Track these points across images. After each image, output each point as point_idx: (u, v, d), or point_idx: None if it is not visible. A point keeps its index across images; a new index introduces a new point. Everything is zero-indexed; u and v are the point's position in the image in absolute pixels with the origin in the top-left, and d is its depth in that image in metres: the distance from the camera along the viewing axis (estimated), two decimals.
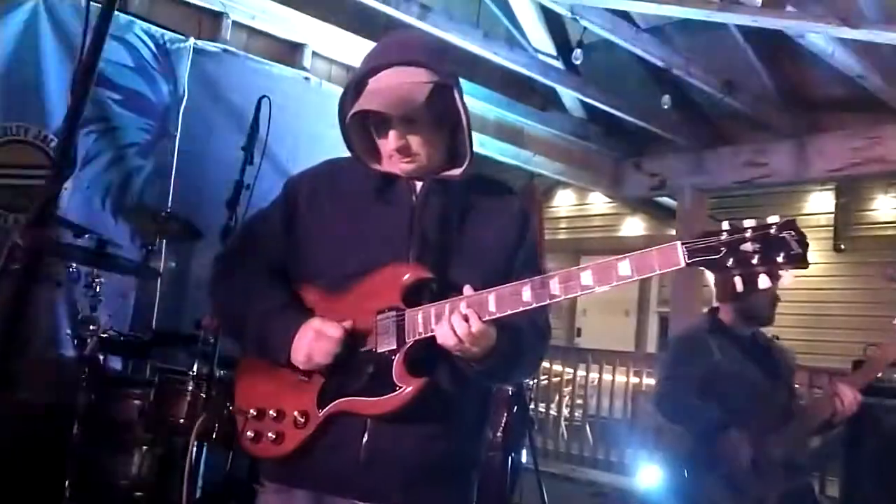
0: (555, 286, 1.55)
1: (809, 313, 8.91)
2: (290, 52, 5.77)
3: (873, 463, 4.51)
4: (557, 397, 8.81)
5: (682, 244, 1.45)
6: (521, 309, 1.57)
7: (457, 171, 1.81)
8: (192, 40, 5.08)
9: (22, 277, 1.00)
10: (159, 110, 4.92)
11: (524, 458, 4.47)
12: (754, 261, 1.40)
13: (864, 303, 9.41)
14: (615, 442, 8.03)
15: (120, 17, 4.61)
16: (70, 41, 4.47)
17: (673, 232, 10.06)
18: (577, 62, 5.79)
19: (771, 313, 3.26)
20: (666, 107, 6.29)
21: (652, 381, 8.20)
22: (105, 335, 3.81)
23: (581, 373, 8.58)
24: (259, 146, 3.81)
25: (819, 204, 10.38)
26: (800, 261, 1.38)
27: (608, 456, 7.95)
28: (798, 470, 3.18)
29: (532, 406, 5.90)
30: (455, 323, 1.57)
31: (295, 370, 1.73)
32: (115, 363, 4.11)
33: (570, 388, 8.96)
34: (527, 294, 1.57)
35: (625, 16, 5.81)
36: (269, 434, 1.74)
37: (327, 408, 1.70)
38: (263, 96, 3.82)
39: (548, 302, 1.55)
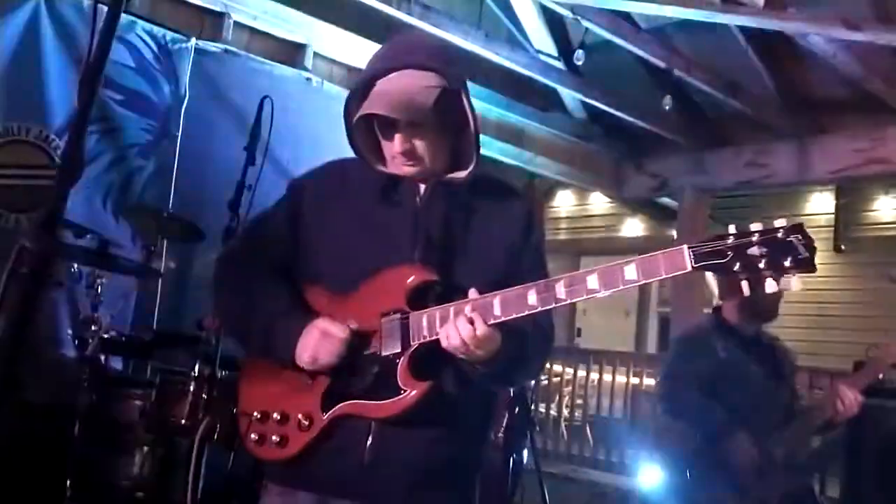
0: (560, 290, 1.55)
1: (810, 314, 8.90)
2: (291, 53, 5.76)
3: (874, 463, 4.51)
4: (557, 397, 8.81)
5: (689, 248, 1.45)
6: (527, 313, 1.57)
7: (462, 174, 1.80)
8: (193, 40, 5.07)
9: (30, 281, 0.99)
10: (161, 110, 4.91)
11: (525, 458, 4.47)
12: (761, 265, 1.40)
13: (865, 303, 9.41)
14: (615, 442, 8.03)
15: (121, 17, 4.60)
16: (71, 41, 4.47)
17: (673, 232, 10.06)
18: (579, 63, 5.79)
19: (775, 310, 3.26)
20: (667, 108, 6.28)
21: (652, 382, 8.22)
22: (106, 336, 3.80)
23: (581, 373, 8.59)
24: (261, 147, 3.80)
25: (820, 205, 10.37)
26: (807, 265, 1.38)
27: (608, 456, 7.95)
28: (798, 470, 3.19)
29: (532, 407, 5.89)
30: (460, 326, 1.57)
31: (299, 372, 1.72)
32: (117, 364, 4.11)
33: (570, 388, 8.96)
34: (532, 298, 1.56)
35: (626, 16, 5.80)
36: (273, 437, 1.74)
37: (331, 411, 1.70)
38: (265, 97, 3.82)
39: (553, 306, 1.55)
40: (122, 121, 4.71)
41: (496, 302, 1.59)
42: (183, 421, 3.41)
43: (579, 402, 8.92)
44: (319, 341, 1.68)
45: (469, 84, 1.86)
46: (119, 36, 4.68)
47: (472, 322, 1.56)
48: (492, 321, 1.58)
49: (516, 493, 4.34)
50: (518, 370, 1.76)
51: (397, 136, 1.73)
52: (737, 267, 1.42)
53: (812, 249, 1.39)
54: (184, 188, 4.89)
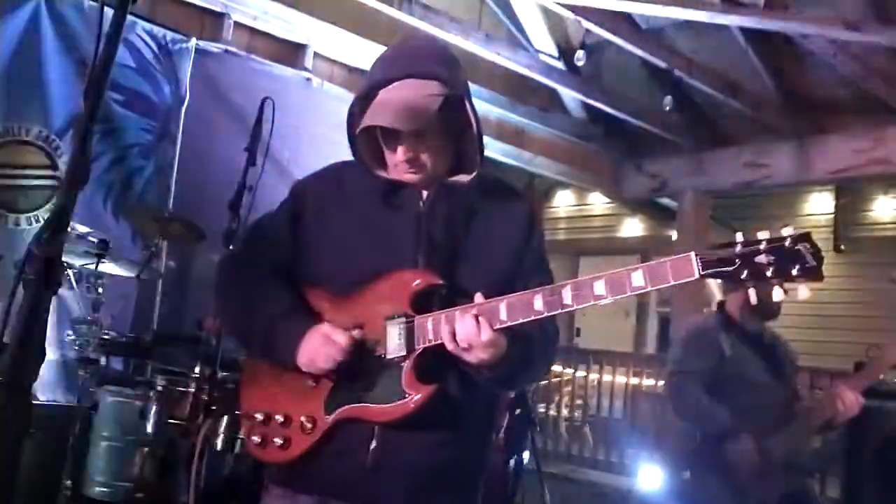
0: (567, 295, 1.55)
1: (809, 314, 8.90)
2: (291, 53, 5.76)
3: (874, 464, 4.51)
4: (557, 398, 8.81)
5: (697, 255, 1.45)
6: (533, 318, 1.57)
7: (465, 178, 1.80)
8: (193, 41, 5.07)
9: (37, 287, 0.99)
10: (161, 111, 4.90)
11: (526, 459, 4.48)
12: (769, 273, 1.40)
13: (864, 303, 9.42)
14: (615, 442, 8.04)
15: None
16: (72, 41, 4.46)
17: (672, 233, 10.06)
18: (580, 63, 5.78)
19: (778, 309, 3.26)
20: (667, 108, 6.28)
21: (652, 382, 8.24)
22: (106, 336, 3.80)
23: (581, 373, 8.59)
24: (261, 147, 3.80)
25: (819, 205, 10.38)
26: (815, 273, 1.38)
27: (608, 456, 7.96)
28: (798, 471, 3.19)
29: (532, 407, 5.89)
30: (466, 330, 1.56)
31: (302, 375, 1.72)
32: (117, 364, 4.10)
33: (569, 388, 8.96)
34: (538, 303, 1.56)
35: (626, 17, 5.80)
36: (276, 439, 1.74)
37: (335, 413, 1.69)
38: (266, 98, 3.81)
39: (560, 311, 1.55)
40: (122, 121, 4.70)
41: (502, 307, 1.58)
42: (183, 422, 3.41)
43: (579, 402, 8.93)
44: (320, 345, 1.67)
45: (469, 85, 1.86)
46: None
47: (477, 327, 1.56)
48: (498, 326, 1.58)
49: (517, 493, 4.34)
50: (522, 374, 1.76)
51: (401, 148, 1.72)
52: (744, 275, 1.42)
53: (819, 258, 1.39)
54: (184, 188, 4.89)
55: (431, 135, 1.73)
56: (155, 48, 4.87)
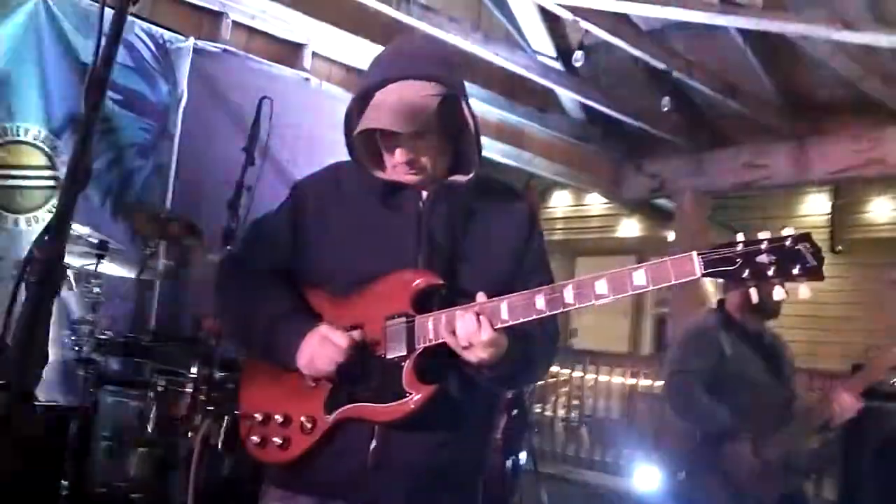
0: (569, 295, 1.55)
1: (806, 314, 8.92)
2: (290, 53, 5.75)
3: (871, 465, 4.52)
4: (554, 398, 8.83)
5: (698, 255, 1.45)
6: (534, 317, 1.57)
7: (464, 178, 1.80)
8: (191, 40, 5.06)
9: (38, 290, 0.99)
10: (159, 110, 4.89)
11: (523, 459, 4.48)
12: (770, 272, 1.41)
13: (861, 304, 9.44)
14: (611, 443, 8.05)
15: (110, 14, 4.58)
16: (70, 41, 4.45)
17: (669, 233, 10.07)
18: (578, 64, 5.78)
19: (778, 308, 3.27)
20: (666, 109, 6.28)
21: (648, 383, 8.25)
22: (104, 336, 3.80)
23: (577, 374, 8.61)
24: (259, 147, 3.80)
25: (816, 205, 10.39)
26: (815, 273, 1.39)
27: (604, 457, 7.98)
28: (795, 472, 3.19)
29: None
30: (467, 330, 1.56)
31: (302, 375, 1.71)
32: (115, 364, 4.09)
33: (566, 388, 8.98)
34: (540, 303, 1.56)
35: (625, 18, 5.80)
36: (276, 439, 1.73)
37: (335, 413, 1.69)
38: (264, 97, 3.81)
39: (561, 311, 1.55)
40: (120, 120, 4.69)
41: (503, 306, 1.58)
42: (180, 422, 3.41)
43: (575, 402, 8.95)
44: (319, 347, 1.66)
45: (467, 85, 1.86)
46: None
47: (478, 326, 1.56)
48: (499, 325, 1.58)
49: (515, 494, 4.34)
50: (523, 374, 1.76)
51: (399, 150, 1.72)
52: (745, 274, 1.42)
53: (820, 258, 1.40)
54: (182, 188, 4.88)
55: (429, 135, 1.73)
56: (153, 48, 4.86)
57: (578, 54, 5.76)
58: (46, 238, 1.01)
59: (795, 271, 1.39)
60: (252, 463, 1.83)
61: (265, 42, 5.64)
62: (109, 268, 3.94)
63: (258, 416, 1.77)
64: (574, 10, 5.37)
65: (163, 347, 3.99)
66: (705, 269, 1.44)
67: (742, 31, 5.97)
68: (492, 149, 7.03)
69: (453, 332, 1.59)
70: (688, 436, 3.35)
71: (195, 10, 5.24)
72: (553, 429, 8.57)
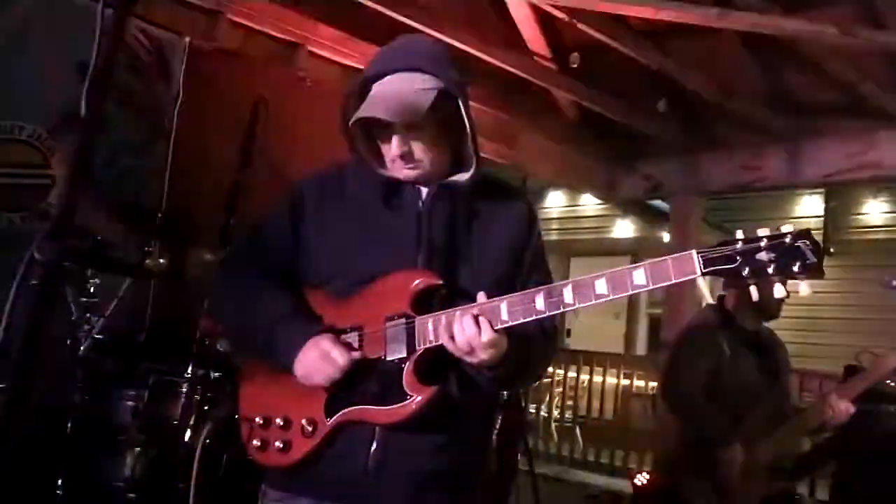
0: (568, 294, 1.54)
1: (799, 316, 8.96)
2: (285, 52, 5.73)
3: (864, 467, 4.53)
4: (548, 398, 8.84)
5: (698, 253, 1.45)
6: (534, 318, 1.57)
7: (463, 177, 1.80)
8: (187, 39, 5.04)
9: (41, 294, 0.98)
10: (154, 110, 4.88)
11: (519, 460, 4.49)
12: (770, 270, 1.41)
13: (854, 306, 9.48)
14: (605, 443, 8.06)
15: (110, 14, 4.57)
16: (66, 38, 4.43)
17: (664, 234, 10.10)
18: (574, 66, 5.78)
19: (779, 306, 3.27)
20: (661, 110, 6.29)
21: (642, 383, 8.27)
22: (99, 336, 3.78)
23: (571, 374, 8.62)
24: (255, 147, 3.79)
25: (809, 207, 10.44)
26: (815, 270, 1.39)
27: (598, 457, 7.98)
28: (782, 474, 3.20)
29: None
30: (466, 329, 1.56)
31: None
32: (110, 364, 4.07)
33: (560, 389, 8.99)
34: (540, 303, 1.56)
35: (621, 19, 5.80)
36: (277, 443, 1.73)
37: (336, 416, 1.68)
38: (260, 97, 3.81)
39: (561, 311, 1.54)
40: (115, 120, 4.67)
41: (503, 307, 1.58)
42: (176, 422, 3.39)
43: (569, 403, 8.96)
44: (318, 361, 1.66)
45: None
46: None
47: (479, 327, 1.55)
48: (499, 326, 1.57)
49: (510, 494, 4.35)
50: (523, 374, 1.76)
51: (394, 139, 1.72)
52: (745, 272, 1.42)
53: (820, 255, 1.39)
54: (177, 188, 4.86)
55: (425, 130, 1.73)
56: (148, 46, 4.84)
57: (574, 56, 5.77)
58: (47, 241, 1.00)
59: (795, 268, 1.39)
60: (250, 463, 1.82)
61: (261, 41, 5.62)
62: (103, 267, 3.92)
63: (259, 420, 1.77)
64: (570, 10, 5.37)
65: (158, 347, 3.98)
66: (705, 268, 1.44)
67: (738, 33, 5.98)
68: (486, 149, 7.02)
69: (452, 338, 1.58)
70: (679, 436, 3.36)
71: (191, 8, 5.21)
72: (547, 429, 8.58)
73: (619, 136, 7.79)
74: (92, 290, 3.82)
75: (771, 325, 3.46)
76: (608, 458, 7.88)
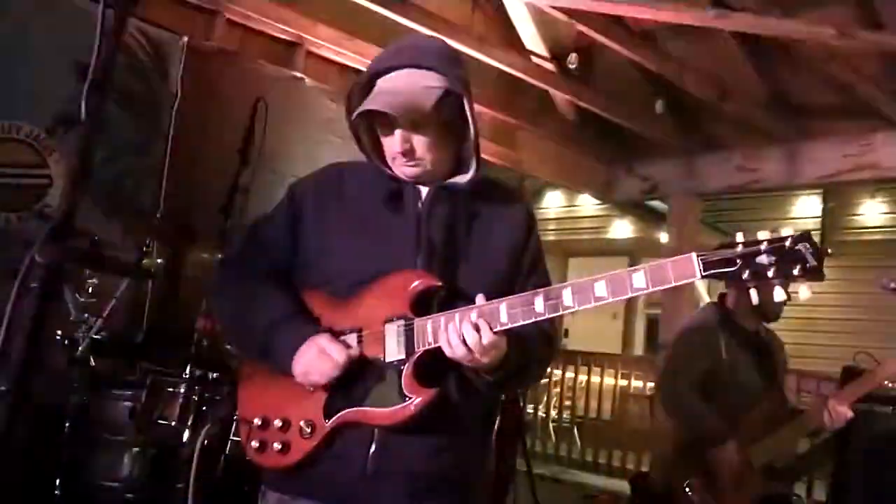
0: (568, 297, 1.54)
1: (796, 317, 8.97)
2: (284, 53, 5.73)
3: (862, 467, 4.53)
4: (545, 399, 8.84)
5: (698, 256, 1.45)
6: (534, 320, 1.56)
7: (463, 179, 1.80)
8: (185, 39, 5.03)
9: (41, 295, 0.98)
10: (152, 109, 4.87)
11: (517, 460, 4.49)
12: (770, 273, 1.40)
13: (851, 307, 9.50)
14: (603, 444, 8.06)
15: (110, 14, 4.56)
16: (63, 38, 4.42)
17: (661, 235, 10.10)
18: (572, 66, 5.78)
19: (779, 309, 3.26)
20: (659, 111, 6.29)
21: (640, 384, 8.27)
22: (96, 336, 3.77)
23: (569, 374, 8.62)
24: (254, 147, 3.79)
25: (806, 208, 10.46)
26: (816, 273, 1.38)
27: (596, 458, 7.98)
28: (777, 476, 3.20)
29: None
30: (466, 333, 1.55)
31: None
32: (107, 364, 4.07)
33: (558, 389, 8.99)
34: (539, 305, 1.55)
35: (619, 20, 5.81)
36: (275, 444, 1.72)
37: (335, 418, 1.68)
38: (259, 98, 3.80)
39: (561, 313, 1.54)
40: (113, 120, 4.66)
41: (502, 309, 1.57)
42: (173, 422, 3.39)
43: (567, 403, 8.96)
44: (316, 358, 1.65)
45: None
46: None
47: (478, 330, 1.55)
48: (498, 328, 1.57)
49: (508, 494, 4.35)
50: (522, 376, 1.76)
51: (397, 134, 1.71)
52: (745, 275, 1.42)
53: (821, 258, 1.39)
54: (175, 188, 4.86)
55: (429, 127, 1.72)
56: (146, 46, 4.83)
57: (573, 56, 5.77)
58: (48, 243, 1.00)
59: (796, 272, 1.39)
60: (247, 465, 1.82)
61: (259, 41, 5.62)
62: (101, 267, 3.92)
63: (257, 421, 1.76)
64: (568, 11, 5.37)
65: (155, 347, 3.98)
66: (705, 271, 1.44)
67: (735, 35, 5.98)
68: (485, 149, 6.95)
69: (451, 341, 1.58)
70: (675, 437, 3.36)
71: (189, 8, 5.21)
72: (545, 429, 8.58)
73: (617, 137, 7.80)
74: (90, 290, 3.81)
75: (770, 324, 3.46)
76: (606, 458, 7.88)
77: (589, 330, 11.51)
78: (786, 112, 6.75)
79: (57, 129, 4.39)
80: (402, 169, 1.76)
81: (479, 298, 1.60)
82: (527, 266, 1.83)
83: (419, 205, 1.78)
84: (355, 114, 1.72)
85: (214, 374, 3.44)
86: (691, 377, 3.24)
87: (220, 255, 3.43)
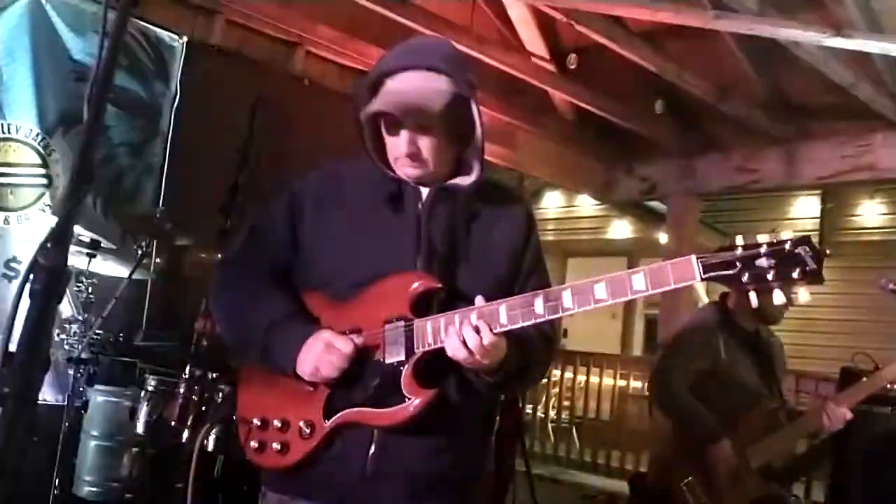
0: (568, 299, 1.54)
1: (795, 317, 8.98)
2: (283, 53, 5.73)
3: (860, 467, 4.53)
4: (544, 399, 8.84)
5: (697, 258, 1.44)
6: (533, 321, 1.56)
7: (466, 181, 1.79)
8: (185, 39, 5.04)
9: (42, 298, 0.98)
10: (152, 109, 4.88)
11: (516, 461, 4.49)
12: (769, 276, 1.40)
13: (850, 307, 9.50)
14: (602, 444, 8.06)
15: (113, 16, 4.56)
16: (62, 39, 4.44)
17: (660, 235, 10.10)
18: (572, 67, 5.79)
19: (780, 312, 3.26)
20: (658, 111, 6.29)
21: (639, 384, 8.26)
22: (96, 336, 3.78)
23: (568, 375, 8.62)
24: (253, 147, 3.79)
25: (805, 209, 10.46)
26: (815, 276, 1.38)
27: (595, 458, 7.99)
28: (776, 477, 3.20)
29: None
30: (466, 335, 1.55)
31: (300, 379, 1.70)
32: (106, 364, 4.07)
33: (556, 390, 9.00)
34: (539, 306, 1.55)
35: (618, 21, 5.81)
36: (274, 444, 1.72)
37: (334, 418, 1.67)
38: (258, 97, 3.81)
39: (560, 315, 1.54)
40: (112, 119, 4.67)
41: (502, 310, 1.57)
42: (173, 422, 3.39)
43: (566, 403, 8.96)
44: (323, 353, 1.65)
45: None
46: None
47: (478, 330, 1.55)
48: (498, 329, 1.56)
49: (507, 494, 4.35)
50: (522, 378, 1.75)
51: (404, 136, 1.71)
52: (745, 278, 1.42)
53: (820, 261, 1.39)
54: (174, 187, 4.87)
55: (435, 131, 1.72)
56: (146, 46, 4.84)
57: (572, 56, 5.78)
58: (50, 245, 1.00)
59: (795, 275, 1.38)
60: (246, 465, 1.82)
61: (259, 41, 5.62)
62: (101, 267, 3.93)
63: (256, 421, 1.76)
64: (567, 12, 5.38)
65: (154, 347, 3.98)
66: (705, 273, 1.43)
67: (734, 36, 5.98)
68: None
69: (451, 342, 1.57)
70: (672, 436, 3.35)
71: (189, 8, 5.21)
72: (544, 430, 8.58)
73: (616, 138, 7.80)
74: (90, 289, 3.82)
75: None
76: (605, 458, 7.88)
77: (588, 330, 11.51)
78: (785, 113, 6.76)
79: (57, 130, 4.41)
80: (405, 170, 1.75)
81: (479, 300, 1.59)
82: (527, 267, 1.82)
83: (419, 206, 1.77)
84: (364, 114, 1.71)
85: (214, 374, 3.45)
86: (687, 376, 3.23)
87: (219, 255, 3.42)
